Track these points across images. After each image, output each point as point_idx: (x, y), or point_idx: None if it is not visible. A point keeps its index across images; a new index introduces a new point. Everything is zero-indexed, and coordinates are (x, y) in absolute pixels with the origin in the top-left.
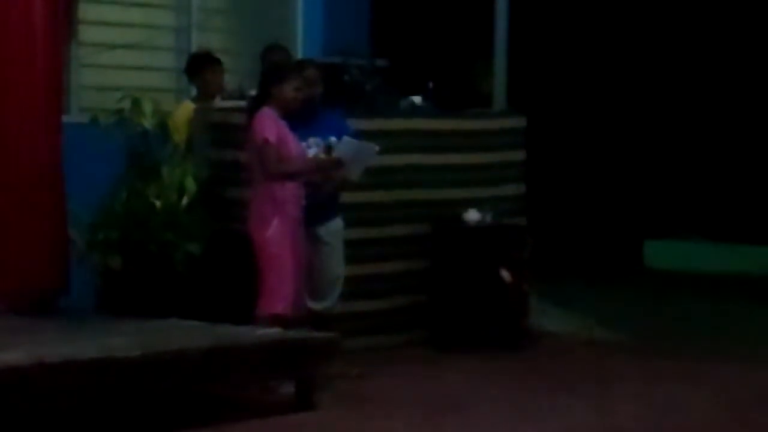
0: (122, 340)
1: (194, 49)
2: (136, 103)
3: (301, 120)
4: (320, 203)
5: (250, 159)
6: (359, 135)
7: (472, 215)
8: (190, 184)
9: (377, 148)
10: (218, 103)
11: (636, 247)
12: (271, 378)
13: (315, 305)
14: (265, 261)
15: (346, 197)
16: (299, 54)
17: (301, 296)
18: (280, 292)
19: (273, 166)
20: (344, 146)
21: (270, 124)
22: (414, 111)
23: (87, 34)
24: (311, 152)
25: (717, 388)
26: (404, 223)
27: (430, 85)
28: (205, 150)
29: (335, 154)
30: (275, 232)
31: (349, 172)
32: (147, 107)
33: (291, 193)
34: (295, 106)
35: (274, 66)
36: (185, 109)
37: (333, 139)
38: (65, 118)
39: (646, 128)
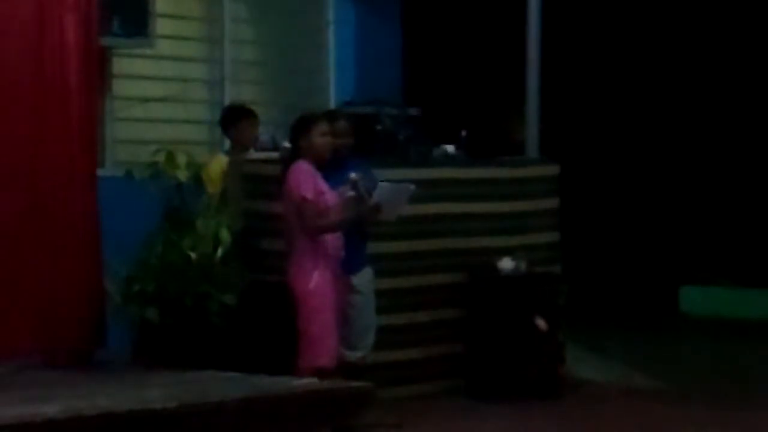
0: (159, 392)
1: (227, 101)
2: (170, 156)
3: (328, 171)
4: (352, 252)
5: (287, 212)
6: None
7: (507, 264)
8: (225, 236)
9: (413, 186)
10: (252, 154)
11: (672, 294)
12: (308, 428)
13: (349, 355)
14: (307, 313)
15: (381, 247)
16: (331, 104)
17: (338, 347)
18: (323, 345)
19: (313, 222)
20: (381, 191)
21: (305, 179)
22: (447, 160)
23: (121, 87)
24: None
25: None
26: (439, 273)
27: (463, 133)
28: (239, 201)
29: (373, 200)
30: (316, 284)
31: (387, 214)
32: (181, 160)
33: (331, 244)
34: (326, 152)
35: (300, 117)
36: (219, 162)
37: (353, 174)
38: (100, 172)
39: (680, 175)
